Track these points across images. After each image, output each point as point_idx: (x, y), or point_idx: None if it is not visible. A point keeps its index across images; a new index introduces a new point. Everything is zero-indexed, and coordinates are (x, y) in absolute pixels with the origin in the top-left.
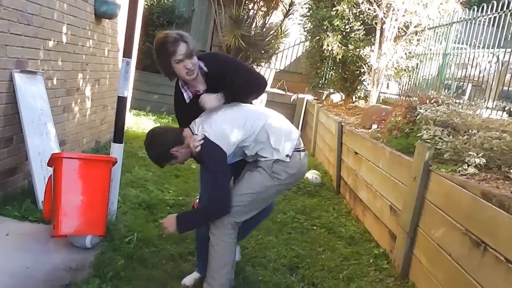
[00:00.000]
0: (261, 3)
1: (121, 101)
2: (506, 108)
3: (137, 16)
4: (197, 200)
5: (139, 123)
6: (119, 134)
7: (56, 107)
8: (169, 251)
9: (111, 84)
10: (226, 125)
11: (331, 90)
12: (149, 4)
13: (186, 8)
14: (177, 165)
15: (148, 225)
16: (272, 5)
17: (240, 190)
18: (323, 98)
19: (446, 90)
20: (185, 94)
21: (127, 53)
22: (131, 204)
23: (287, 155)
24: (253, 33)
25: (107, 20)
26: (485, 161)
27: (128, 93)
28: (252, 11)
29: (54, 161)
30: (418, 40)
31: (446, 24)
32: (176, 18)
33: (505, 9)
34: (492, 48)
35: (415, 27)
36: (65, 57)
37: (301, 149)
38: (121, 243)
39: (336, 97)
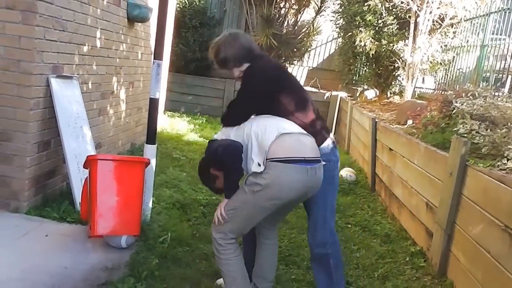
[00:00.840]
0: (293, 1)
1: (153, 102)
2: None
3: (167, 18)
4: None
5: (173, 125)
6: (151, 135)
7: (91, 110)
8: (202, 250)
9: (145, 86)
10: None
11: (365, 87)
12: (181, 6)
13: (217, 9)
14: None
15: (181, 224)
16: (304, 2)
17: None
18: (357, 94)
19: (485, 83)
20: None
21: (158, 55)
22: (165, 204)
23: (258, 164)
24: (284, 31)
25: (139, 23)
26: None
27: (160, 95)
28: (283, 9)
29: (89, 163)
30: (454, 32)
31: (484, 15)
32: (208, 19)
33: None
34: None
35: (450, 19)
36: (99, 61)
37: (291, 159)
38: (155, 242)
39: (370, 93)
